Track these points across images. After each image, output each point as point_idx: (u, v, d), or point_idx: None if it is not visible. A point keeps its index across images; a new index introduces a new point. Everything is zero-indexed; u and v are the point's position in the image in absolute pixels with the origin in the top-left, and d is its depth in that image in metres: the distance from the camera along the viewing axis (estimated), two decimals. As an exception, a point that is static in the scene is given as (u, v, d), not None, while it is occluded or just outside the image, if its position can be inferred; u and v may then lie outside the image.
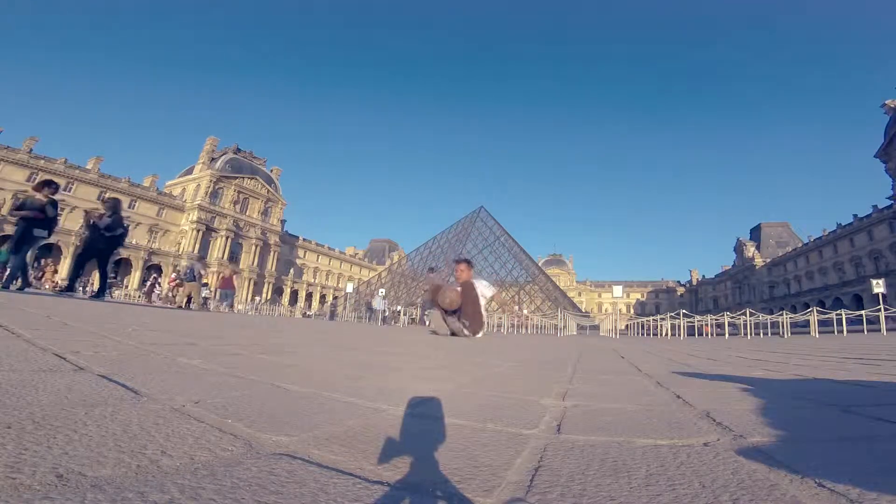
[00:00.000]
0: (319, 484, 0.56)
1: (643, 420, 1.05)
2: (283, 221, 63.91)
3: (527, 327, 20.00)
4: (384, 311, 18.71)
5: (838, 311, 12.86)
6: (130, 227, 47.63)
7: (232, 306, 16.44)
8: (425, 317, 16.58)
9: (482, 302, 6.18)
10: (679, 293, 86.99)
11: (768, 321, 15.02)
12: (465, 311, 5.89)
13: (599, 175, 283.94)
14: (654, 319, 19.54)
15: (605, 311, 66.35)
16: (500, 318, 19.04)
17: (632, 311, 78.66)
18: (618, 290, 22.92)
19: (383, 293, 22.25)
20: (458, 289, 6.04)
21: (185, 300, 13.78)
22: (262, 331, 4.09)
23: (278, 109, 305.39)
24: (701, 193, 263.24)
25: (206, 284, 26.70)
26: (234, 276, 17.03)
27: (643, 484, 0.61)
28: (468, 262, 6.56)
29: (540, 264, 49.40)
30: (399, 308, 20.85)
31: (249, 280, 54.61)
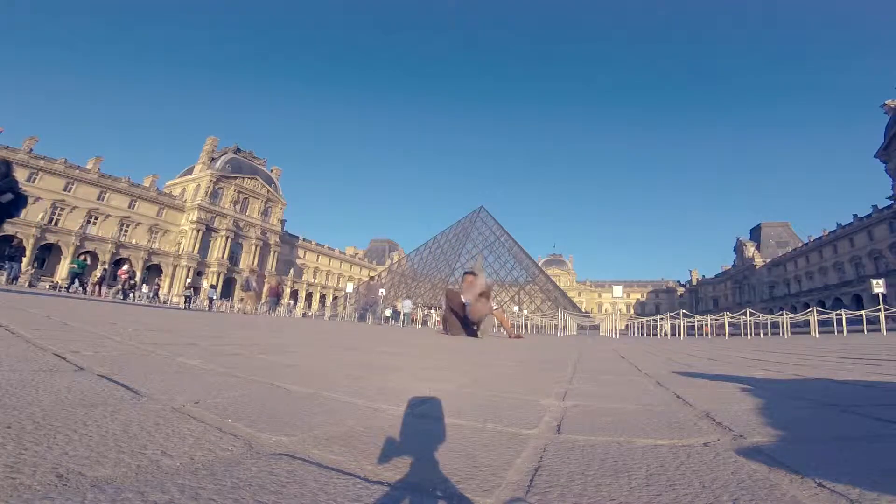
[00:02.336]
0: (319, 484, 0.56)
1: (643, 420, 1.05)
2: (283, 221, 63.88)
3: (526, 327, 20.01)
4: (412, 313, 19.24)
5: (838, 311, 12.87)
6: (130, 227, 47.63)
7: (274, 311, 18.43)
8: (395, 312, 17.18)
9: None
10: (679, 293, 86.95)
11: (768, 321, 15.02)
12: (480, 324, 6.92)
13: (599, 175, 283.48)
14: (654, 319, 19.55)
15: (605, 311, 66.36)
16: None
17: (632, 311, 78.63)
18: (618, 290, 22.99)
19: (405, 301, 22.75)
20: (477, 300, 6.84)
21: (252, 307, 16.58)
22: (261, 331, 4.09)
23: (278, 109, 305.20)
24: (701, 193, 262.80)
25: (214, 287, 27.26)
26: (280, 286, 19.66)
27: (643, 484, 0.61)
28: (475, 274, 7.39)
29: (540, 264, 49.36)
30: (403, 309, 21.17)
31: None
